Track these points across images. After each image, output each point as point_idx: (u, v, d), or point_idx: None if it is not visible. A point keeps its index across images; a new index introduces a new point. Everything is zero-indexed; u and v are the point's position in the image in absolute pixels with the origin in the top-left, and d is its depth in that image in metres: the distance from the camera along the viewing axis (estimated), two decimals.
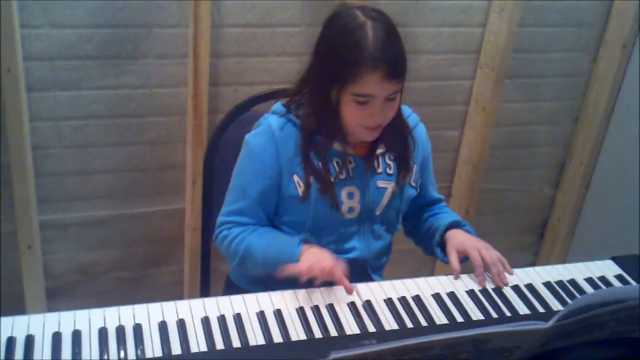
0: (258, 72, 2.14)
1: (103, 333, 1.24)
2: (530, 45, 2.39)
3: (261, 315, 1.33)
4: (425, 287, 1.47)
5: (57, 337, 1.22)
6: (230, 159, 1.61)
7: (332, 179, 1.51)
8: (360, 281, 1.46)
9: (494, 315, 1.40)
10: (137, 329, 1.26)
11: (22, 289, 2.14)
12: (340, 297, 1.40)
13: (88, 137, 2.07)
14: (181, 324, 1.28)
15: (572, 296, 1.48)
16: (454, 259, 1.53)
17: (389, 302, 1.40)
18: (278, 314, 1.34)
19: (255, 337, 1.27)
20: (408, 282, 1.47)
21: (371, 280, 1.60)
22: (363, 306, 1.38)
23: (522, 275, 1.53)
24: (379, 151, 1.56)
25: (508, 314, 1.41)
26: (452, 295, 1.45)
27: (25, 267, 2.11)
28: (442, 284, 1.49)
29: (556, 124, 2.60)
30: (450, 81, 2.38)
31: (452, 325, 1.36)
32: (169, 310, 1.31)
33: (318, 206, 1.52)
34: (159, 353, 1.21)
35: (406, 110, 1.63)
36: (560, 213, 2.72)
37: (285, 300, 1.38)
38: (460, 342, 1.00)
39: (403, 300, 1.41)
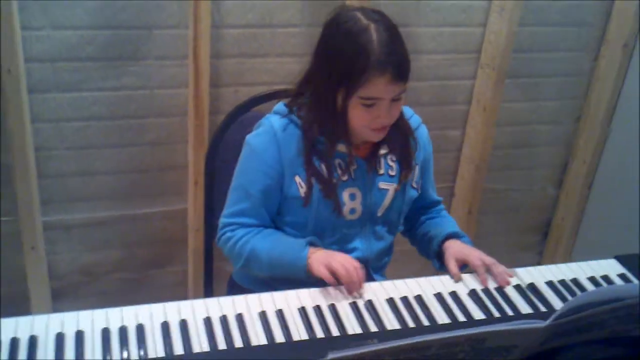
0: (258, 72, 2.14)
1: (106, 333, 1.24)
2: (531, 45, 2.40)
3: (263, 315, 1.33)
4: (427, 286, 1.47)
5: (60, 338, 1.22)
6: (231, 160, 1.61)
7: (335, 181, 1.51)
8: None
9: (496, 314, 1.40)
10: (140, 329, 1.26)
11: (27, 290, 2.15)
12: (342, 297, 1.40)
13: (90, 138, 2.07)
14: (183, 325, 1.28)
15: (574, 295, 1.48)
16: (453, 266, 1.53)
17: (390, 301, 1.40)
18: (280, 314, 1.34)
19: (257, 337, 1.27)
20: (410, 281, 1.47)
21: (373, 280, 1.59)
22: (365, 306, 1.38)
23: (524, 275, 1.53)
24: (382, 152, 1.56)
25: (510, 313, 1.41)
26: (454, 295, 1.45)
27: (29, 267, 2.11)
28: (444, 283, 1.49)
29: (558, 123, 2.60)
30: (451, 81, 2.38)
31: (454, 325, 1.35)
32: (172, 311, 1.31)
33: (320, 208, 1.52)
34: (161, 353, 1.21)
35: (408, 111, 1.63)
36: (564, 213, 2.72)
37: (287, 300, 1.38)
38: (457, 341, 1.00)
39: (405, 300, 1.41)
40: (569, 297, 1.46)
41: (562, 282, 1.52)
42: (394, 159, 1.58)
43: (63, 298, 2.25)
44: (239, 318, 1.31)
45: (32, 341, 1.21)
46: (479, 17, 2.30)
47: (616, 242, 2.41)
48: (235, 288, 1.71)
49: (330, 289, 1.42)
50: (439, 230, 1.63)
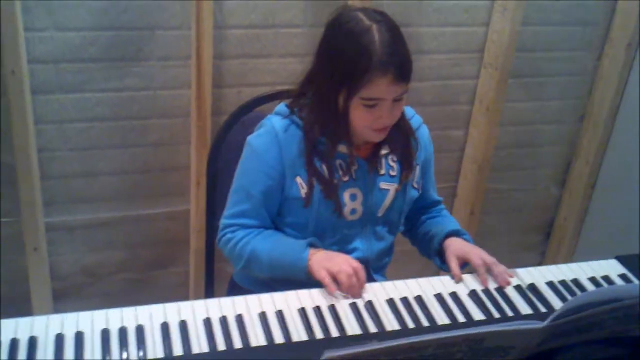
0: (261, 73, 2.15)
1: (105, 334, 1.24)
2: (534, 45, 2.39)
3: (263, 316, 1.33)
4: (427, 287, 1.46)
5: (59, 339, 1.22)
6: (233, 160, 1.61)
7: (336, 182, 1.51)
8: None
9: (496, 315, 1.40)
10: (140, 330, 1.26)
11: (29, 291, 2.15)
12: (341, 298, 1.40)
13: (93, 139, 2.08)
14: (183, 325, 1.28)
15: (575, 296, 1.47)
16: (454, 265, 1.53)
17: (390, 302, 1.40)
18: (280, 314, 1.34)
19: (257, 338, 1.27)
20: (410, 282, 1.47)
21: (373, 280, 1.60)
22: (365, 307, 1.38)
23: (524, 275, 1.53)
24: (383, 152, 1.56)
25: (510, 314, 1.40)
26: (454, 296, 1.44)
27: (31, 269, 2.12)
28: (444, 284, 1.48)
29: (561, 123, 2.59)
30: (454, 81, 2.38)
31: (454, 325, 1.35)
32: (172, 312, 1.32)
33: (321, 209, 1.52)
34: (160, 354, 1.21)
35: (409, 111, 1.63)
36: (567, 212, 2.71)
37: (287, 301, 1.38)
38: (455, 341, 1.00)
39: (405, 300, 1.41)
40: (570, 298, 1.46)
41: (563, 282, 1.51)
42: (395, 159, 1.58)
43: (65, 299, 2.26)
44: (239, 319, 1.31)
45: (32, 342, 1.21)
46: (482, 17, 2.30)
47: (619, 243, 2.41)
48: (236, 289, 1.71)
49: None
50: (440, 229, 1.63)
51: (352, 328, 1.32)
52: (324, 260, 1.44)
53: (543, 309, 1.42)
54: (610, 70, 2.45)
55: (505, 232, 2.71)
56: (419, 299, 1.42)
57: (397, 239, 1.70)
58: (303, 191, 1.51)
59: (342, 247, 1.57)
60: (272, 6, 2.07)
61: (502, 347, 1.07)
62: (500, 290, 1.48)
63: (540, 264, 2.82)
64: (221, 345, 1.25)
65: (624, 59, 2.40)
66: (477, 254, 1.53)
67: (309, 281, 1.45)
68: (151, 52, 2.02)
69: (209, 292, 1.90)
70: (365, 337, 1.29)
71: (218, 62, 2.07)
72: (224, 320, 1.30)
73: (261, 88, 2.03)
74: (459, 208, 2.56)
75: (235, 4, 2.03)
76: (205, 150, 2.06)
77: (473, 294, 1.45)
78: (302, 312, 1.35)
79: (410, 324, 1.34)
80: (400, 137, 1.57)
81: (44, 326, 1.25)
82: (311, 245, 1.48)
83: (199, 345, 1.24)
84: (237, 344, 1.25)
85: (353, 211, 1.55)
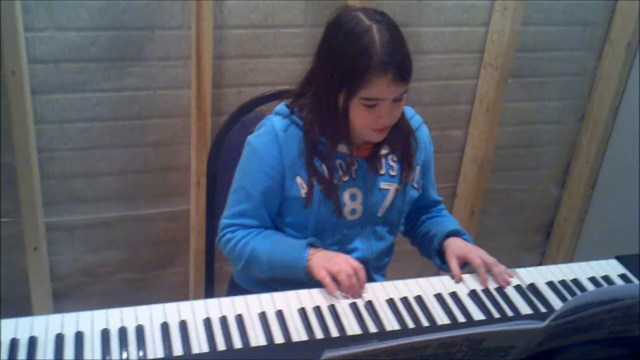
0: (261, 73, 2.15)
1: (105, 334, 1.25)
2: (534, 45, 2.39)
3: (263, 316, 1.33)
4: (427, 287, 1.47)
5: (59, 339, 1.22)
6: (234, 160, 1.61)
7: (336, 182, 1.51)
8: None
9: (496, 315, 1.40)
10: (140, 330, 1.26)
11: (29, 291, 2.15)
12: (341, 298, 1.40)
13: (93, 139, 2.08)
14: (183, 325, 1.28)
15: (575, 296, 1.47)
16: (454, 265, 1.53)
17: (390, 302, 1.40)
18: (280, 314, 1.34)
19: (257, 338, 1.27)
20: (410, 282, 1.47)
21: (373, 280, 1.60)
22: (365, 307, 1.38)
23: (524, 275, 1.53)
24: (382, 152, 1.56)
25: (510, 314, 1.41)
26: (454, 296, 1.44)
27: (31, 268, 2.12)
28: (444, 284, 1.48)
29: (561, 123, 2.59)
30: (454, 81, 2.38)
31: (454, 325, 1.35)
32: (171, 312, 1.32)
33: (321, 209, 1.52)
34: (160, 354, 1.21)
35: (409, 111, 1.63)
36: (566, 213, 2.71)
37: (287, 301, 1.38)
38: (455, 341, 1.00)
39: (405, 300, 1.41)
40: (569, 298, 1.46)
41: (563, 282, 1.52)
42: (395, 159, 1.58)
43: (65, 299, 2.26)
44: (239, 319, 1.31)
45: (32, 342, 1.21)
46: (482, 17, 2.30)
47: (619, 243, 2.41)
48: (235, 289, 1.71)
49: None
50: (440, 228, 1.63)
51: (352, 328, 1.32)
52: (324, 260, 1.44)
53: (543, 309, 1.42)
54: (610, 70, 2.45)
55: (505, 232, 2.71)
56: (419, 299, 1.42)
57: (397, 239, 1.70)
58: (303, 191, 1.51)
59: (342, 247, 1.57)
60: (272, 6, 2.07)
61: (502, 347, 1.07)
62: (500, 290, 1.48)
63: (540, 264, 2.82)
64: (221, 345, 1.25)
65: (624, 59, 2.40)
66: (477, 254, 1.53)
67: (309, 281, 1.45)
68: (151, 52, 2.02)
69: (209, 292, 1.90)
70: (365, 337, 1.29)
71: (218, 62, 2.08)
72: (224, 320, 1.30)
73: (261, 88, 2.03)
74: (459, 208, 2.56)
75: (235, 4, 2.03)
76: (205, 150, 2.06)
77: (473, 294, 1.45)
78: (302, 312, 1.35)
79: (410, 324, 1.35)
80: (400, 137, 1.57)
81: (44, 326, 1.25)
82: (311, 245, 1.48)
83: (199, 345, 1.24)
84: (237, 344, 1.25)
85: (353, 211, 1.55)
